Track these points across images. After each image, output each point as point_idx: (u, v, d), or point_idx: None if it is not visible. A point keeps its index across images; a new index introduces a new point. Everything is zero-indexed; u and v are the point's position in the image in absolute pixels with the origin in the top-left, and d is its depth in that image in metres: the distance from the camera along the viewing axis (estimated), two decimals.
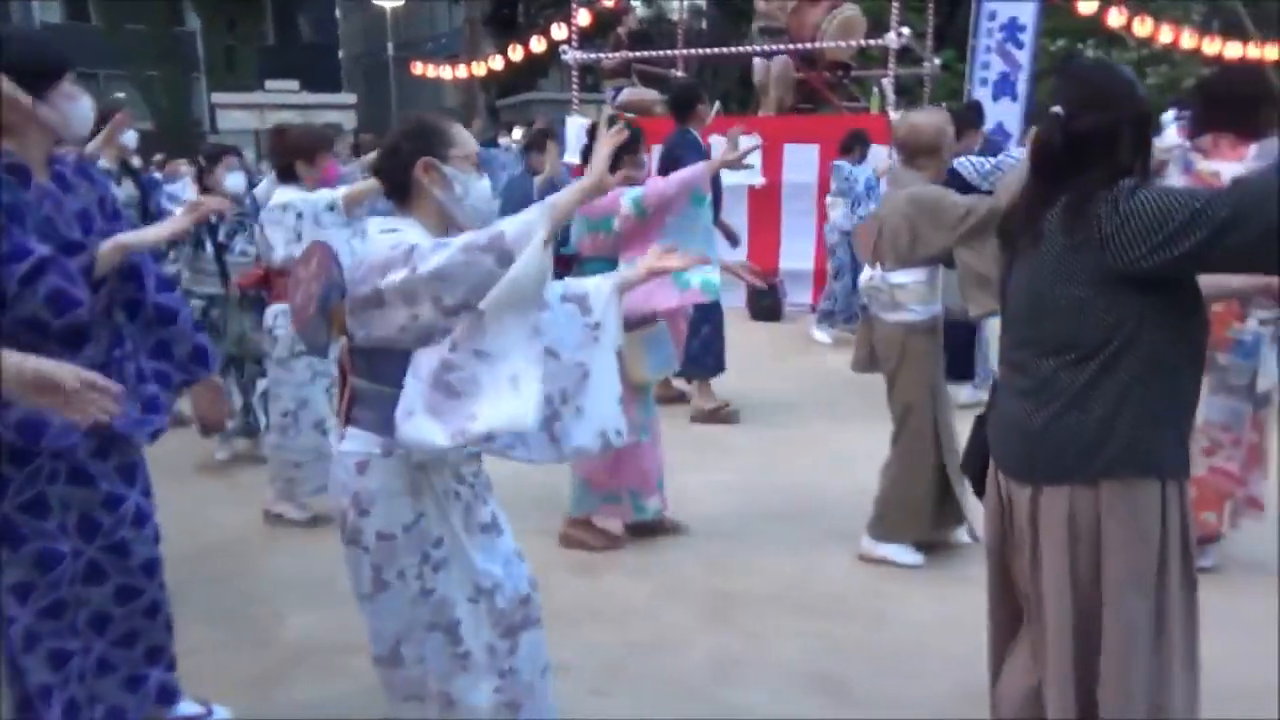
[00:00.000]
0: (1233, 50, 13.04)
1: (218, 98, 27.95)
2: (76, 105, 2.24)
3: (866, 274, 3.69)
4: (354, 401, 2.09)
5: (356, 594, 2.14)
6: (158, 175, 9.79)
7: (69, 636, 2.31)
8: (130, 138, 5.16)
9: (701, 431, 5.59)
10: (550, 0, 26.33)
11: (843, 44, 9.20)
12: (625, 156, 3.82)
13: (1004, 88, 10.90)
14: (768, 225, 8.98)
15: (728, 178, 5.77)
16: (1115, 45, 21.42)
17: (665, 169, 5.67)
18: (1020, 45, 10.91)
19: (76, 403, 1.67)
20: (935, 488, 3.70)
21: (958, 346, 5.67)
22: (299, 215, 3.93)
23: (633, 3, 13.62)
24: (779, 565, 3.79)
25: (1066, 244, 1.87)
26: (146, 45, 27.97)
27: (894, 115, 8.57)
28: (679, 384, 6.05)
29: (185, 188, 8.96)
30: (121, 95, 26.85)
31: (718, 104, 6.48)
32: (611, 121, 4.01)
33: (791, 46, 9.47)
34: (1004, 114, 10.58)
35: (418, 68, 19.22)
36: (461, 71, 18.16)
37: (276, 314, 4.10)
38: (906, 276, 3.53)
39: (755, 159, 7.03)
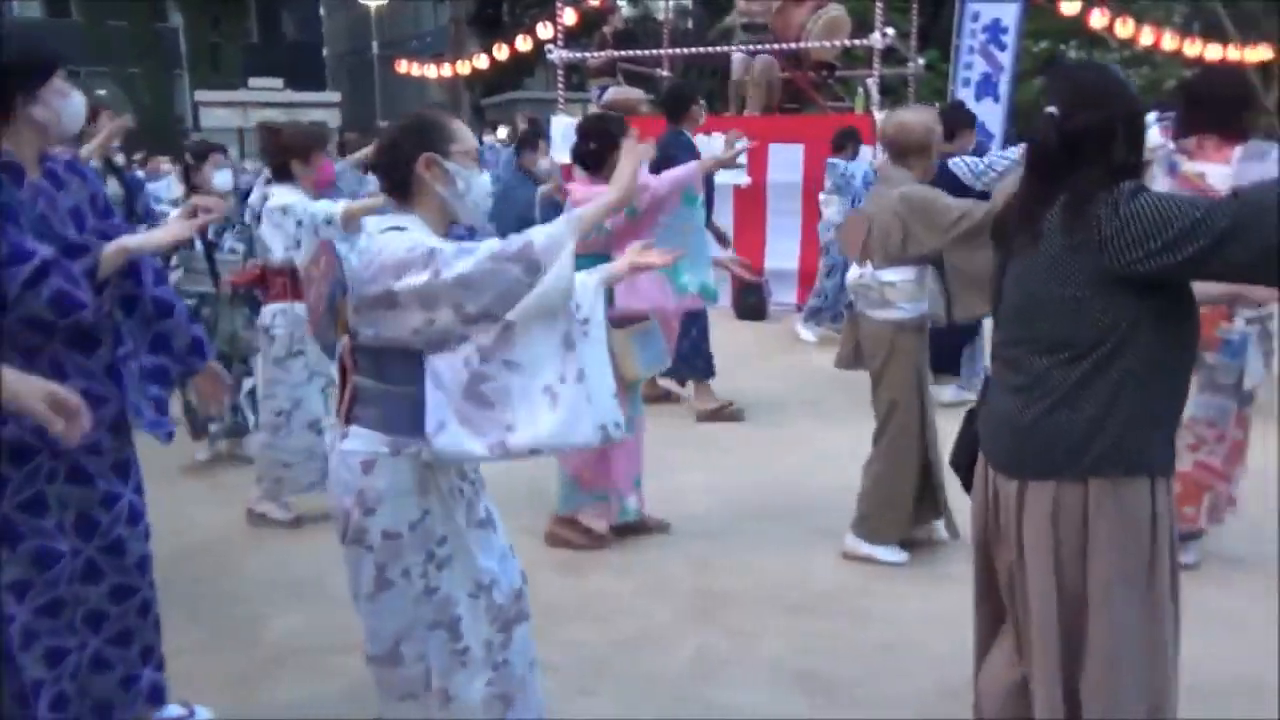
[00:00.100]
0: (1213, 52, 13.16)
1: (201, 95, 27.80)
2: (68, 102, 2.23)
3: (854, 271, 3.69)
4: (355, 400, 2.07)
5: (355, 594, 2.13)
6: (140, 173, 9.72)
7: (66, 634, 2.31)
8: None
9: (686, 431, 5.59)
10: None
11: (828, 44, 9.22)
12: (616, 151, 3.83)
13: (986, 88, 10.95)
14: (753, 225, 9.00)
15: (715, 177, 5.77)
16: (1098, 47, 21.56)
17: (657, 170, 5.68)
18: (1002, 46, 10.96)
19: (52, 422, 1.68)
20: (917, 484, 3.72)
21: (946, 344, 5.75)
22: (299, 223, 3.91)
23: (618, 2, 13.60)
24: (764, 563, 3.79)
25: (1065, 243, 1.89)
26: (128, 42, 27.77)
27: (879, 115, 8.62)
28: (664, 383, 6.05)
29: (169, 186, 8.90)
30: (103, 92, 26.63)
31: (702, 103, 6.47)
32: (600, 123, 3.99)
33: (776, 46, 9.48)
34: (986, 115, 10.63)
35: (402, 66, 19.16)
36: (446, 70, 18.12)
37: (274, 313, 4.07)
38: (896, 275, 3.54)
39: (741, 158, 7.03)
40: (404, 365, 2.00)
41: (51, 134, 2.25)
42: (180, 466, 4.93)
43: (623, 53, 10.66)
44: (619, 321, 3.44)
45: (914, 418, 3.65)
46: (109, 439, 2.34)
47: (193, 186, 4.92)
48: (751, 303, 8.75)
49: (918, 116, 3.64)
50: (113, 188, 4.99)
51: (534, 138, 7.00)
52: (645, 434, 4.06)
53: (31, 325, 2.09)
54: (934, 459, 3.70)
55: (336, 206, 3.89)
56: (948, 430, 3.27)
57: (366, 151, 6.33)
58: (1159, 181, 3.45)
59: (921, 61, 11.73)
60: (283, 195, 3.99)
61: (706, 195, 5.38)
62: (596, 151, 3.84)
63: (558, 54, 10.17)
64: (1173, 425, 2.00)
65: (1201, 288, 1.97)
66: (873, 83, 9.10)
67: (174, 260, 4.86)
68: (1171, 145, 3.51)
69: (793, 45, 9.32)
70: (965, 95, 10.69)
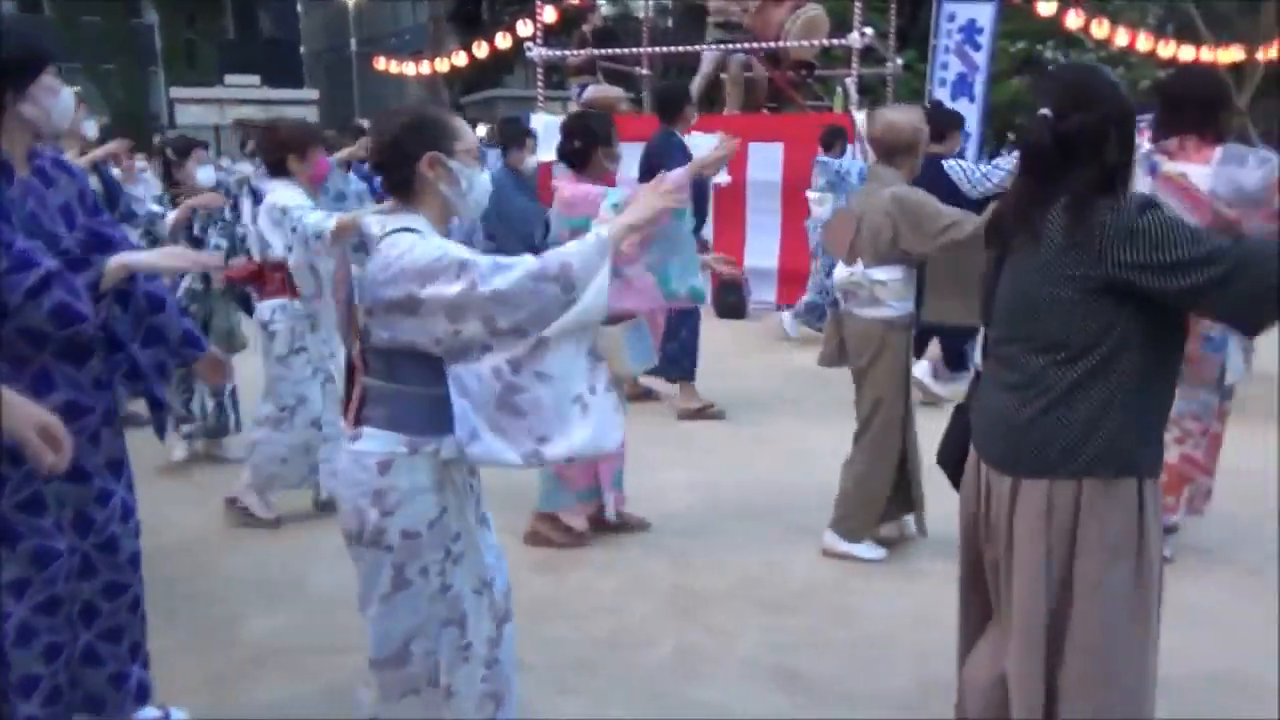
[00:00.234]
0: (1186, 53, 13.30)
1: (176, 92, 27.56)
2: (58, 100, 2.22)
3: (843, 270, 3.70)
4: (366, 401, 2.06)
5: (365, 596, 2.10)
6: (115, 171, 9.62)
7: (63, 630, 2.32)
8: (89, 128, 5.08)
9: (667, 429, 5.60)
10: None
11: (806, 43, 9.26)
12: (601, 147, 3.83)
13: (962, 88, 11.03)
14: (732, 223, 9.01)
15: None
16: (1074, 47, 21.74)
17: (649, 172, 5.66)
18: (978, 47, 11.04)
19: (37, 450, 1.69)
20: (893, 481, 3.75)
21: (951, 343, 5.86)
22: (294, 230, 3.89)
23: (598, 0, 13.60)
24: (743, 561, 3.80)
25: (1064, 245, 1.91)
26: (102, 38, 27.48)
27: (857, 114, 8.66)
28: (646, 381, 6.05)
29: (148, 187, 8.80)
30: (76, 89, 26.35)
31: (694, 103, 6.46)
32: (584, 121, 3.99)
33: (755, 45, 9.51)
34: (961, 114, 10.71)
35: (381, 63, 19.05)
36: (425, 68, 18.04)
37: (273, 309, 4.04)
38: (886, 274, 3.57)
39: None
40: (417, 366, 2.00)
41: (41, 131, 2.24)
42: (156, 467, 4.88)
43: (602, 51, 10.65)
44: (609, 319, 3.46)
45: (897, 415, 3.68)
46: (104, 437, 2.35)
47: (174, 183, 4.86)
48: (731, 301, 8.77)
49: (905, 116, 3.66)
50: (94, 185, 4.97)
51: (521, 135, 6.93)
52: (627, 432, 4.06)
53: (27, 335, 2.08)
54: (911, 456, 3.73)
55: (329, 221, 3.86)
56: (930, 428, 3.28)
57: (350, 150, 6.29)
58: (1140, 182, 3.49)
59: (900, 62, 11.80)
60: (282, 195, 3.95)
61: (700, 199, 5.39)
62: (581, 150, 3.84)
63: (537, 52, 10.16)
64: (1161, 427, 2.05)
65: None
66: (851, 82, 9.14)
67: (185, 283, 4.82)
68: (1149, 146, 3.55)
69: (771, 44, 9.35)
70: (942, 95, 10.76)
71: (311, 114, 24.97)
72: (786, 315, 8.09)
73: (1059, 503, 1.97)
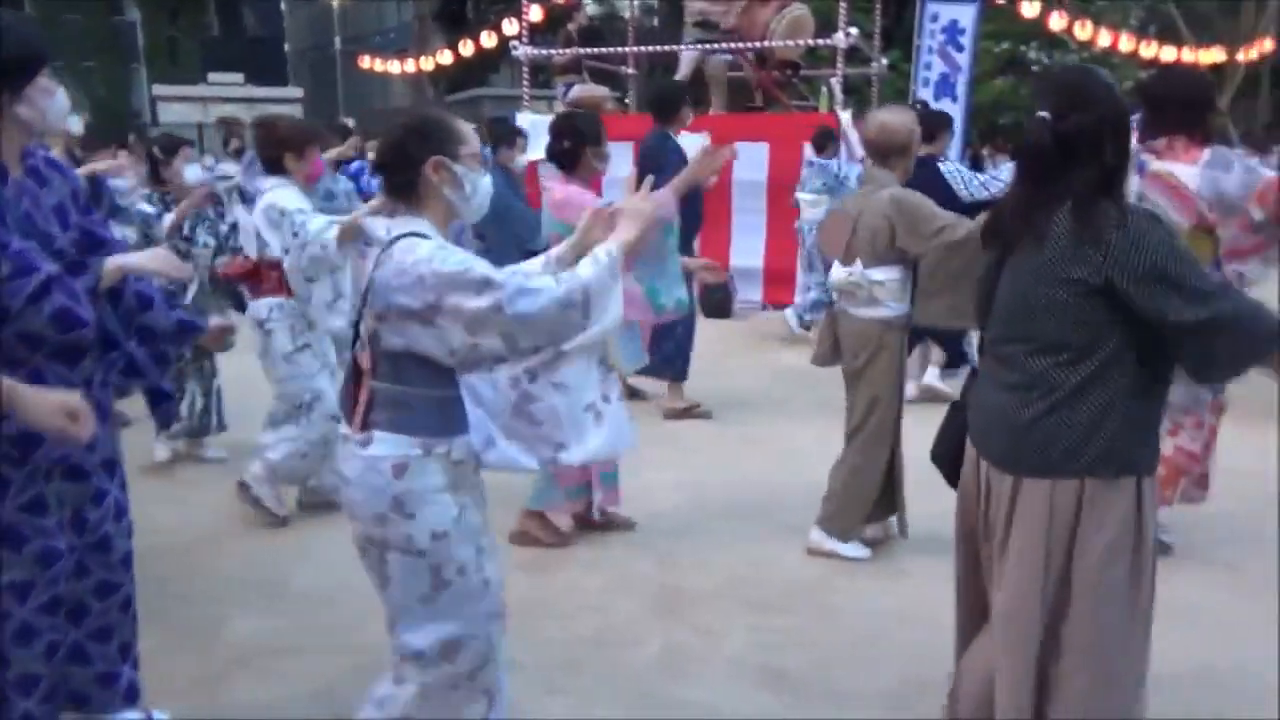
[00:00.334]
0: (1168, 54, 13.41)
1: (159, 90, 27.41)
2: (54, 100, 2.20)
3: (839, 270, 3.70)
4: (373, 405, 2.04)
5: (405, 603, 2.07)
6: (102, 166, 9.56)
7: (62, 630, 2.33)
8: (74, 123, 5.05)
9: (654, 429, 5.59)
10: None
11: (791, 43, 9.27)
12: (590, 148, 3.82)
13: (944, 89, 11.09)
14: (717, 223, 9.00)
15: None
16: (1057, 48, 21.89)
17: (644, 173, 5.63)
18: (960, 48, 11.10)
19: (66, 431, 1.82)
20: (883, 482, 3.76)
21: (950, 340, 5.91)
22: (294, 234, 3.86)
23: None
24: (729, 560, 3.81)
25: (1070, 248, 1.93)
26: (84, 35, 27.31)
27: (842, 114, 8.68)
28: (633, 382, 6.05)
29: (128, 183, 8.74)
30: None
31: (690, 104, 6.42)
32: (572, 121, 3.97)
33: (740, 45, 9.52)
34: (950, 116, 10.77)
35: (365, 62, 18.99)
36: (410, 66, 17.99)
37: (270, 308, 4.01)
38: (883, 274, 3.58)
39: None
40: (425, 369, 2.00)
41: (36, 132, 2.23)
42: (139, 466, 4.84)
43: (588, 50, 10.64)
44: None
45: (893, 415, 3.70)
46: (100, 436, 2.31)
47: (161, 181, 4.82)
48: (717, 300, 8.77)
49: (900, 118, 3.69)
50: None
51: (511, 134, 6.90)
52: None
53: (26, 339, 2.07)
54: (898, 457, 3.75)
55: (333, 229, 3.84)
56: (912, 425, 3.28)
57: (339, 150, 6.26)
58: (1129, 181, 3.51)
59: (885, 62, 11.83)
60: (281, 196, 3.92)
61: (694, 205, 5.39)
62: (570, 150, 3.84)
63: (523, 51, 10.13)
64: (1158, 425, 2.09)
65: None
66: (836, 82, 9.15)
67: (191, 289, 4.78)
68: (1135, 145, 3.58)
69: (757, 44, 9.36)
70: (925, 95, 10.82)
71: (295, 112, 24.82)
72: (790, 312, 8.01)
73: (1061, 502, 1.99)
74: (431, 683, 2.12)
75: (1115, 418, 1.96)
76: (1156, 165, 3.45)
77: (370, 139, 9.58)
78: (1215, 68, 15.88)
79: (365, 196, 7.66)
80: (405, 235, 2.00)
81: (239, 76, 27.82)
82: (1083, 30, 12.47)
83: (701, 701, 2.85)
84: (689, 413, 5.79)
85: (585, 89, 10.30)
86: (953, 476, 2.32)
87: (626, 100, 12.06)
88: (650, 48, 11.90)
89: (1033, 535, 2.01)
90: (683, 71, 9.82)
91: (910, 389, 4.26)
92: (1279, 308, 2.04)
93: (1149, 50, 13.32)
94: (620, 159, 5.36)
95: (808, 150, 8.14)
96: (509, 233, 5.89)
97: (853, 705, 2.81)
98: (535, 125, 8.21)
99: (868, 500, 3.76)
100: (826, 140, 7.70)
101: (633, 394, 6.09)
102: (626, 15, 13.97)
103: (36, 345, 2.10)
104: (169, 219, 4.60)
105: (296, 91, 30.39)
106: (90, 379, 2.29)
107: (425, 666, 2.11)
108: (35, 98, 2.15)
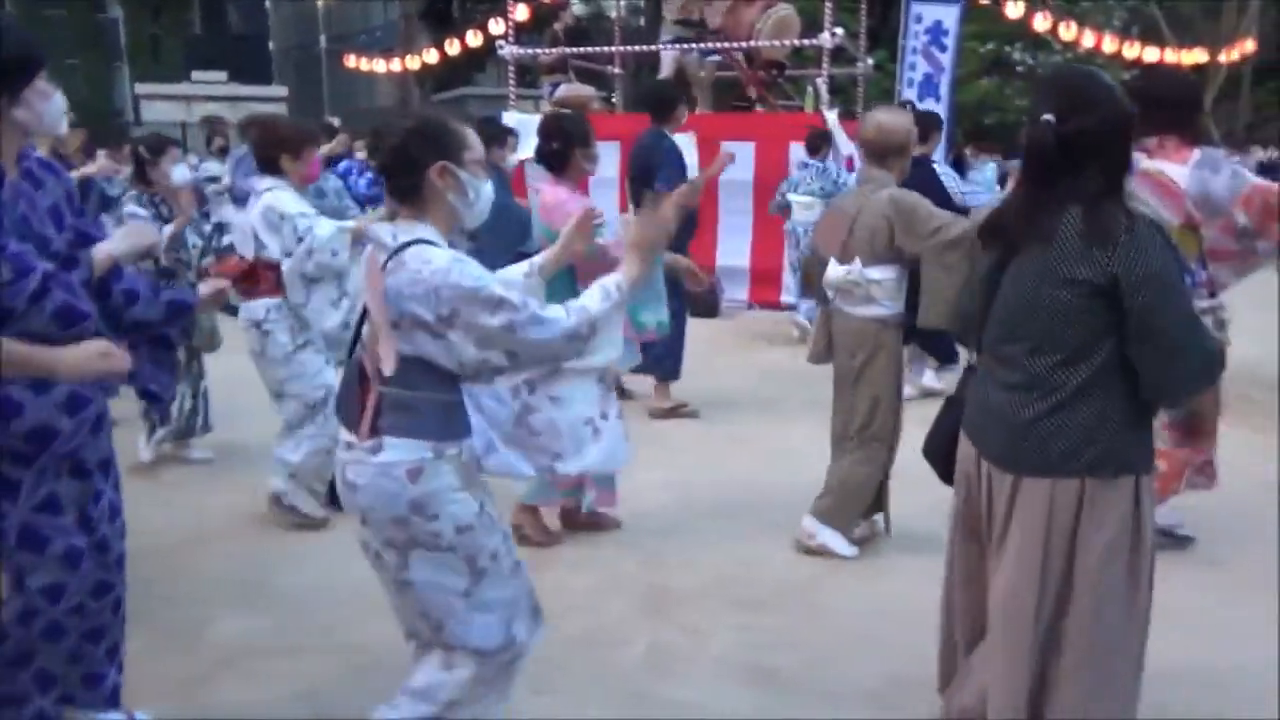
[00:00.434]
0: (1151, 54, 13.50)
1: (141, 88, 27.18)
2: (50, 103, 2.19)
3: (836, 269, 3.71)
4: (381, 410, 2.03)
5: (445, 602, 2.08)
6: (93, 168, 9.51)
7: (78, 630, 2.35)
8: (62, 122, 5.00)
9: (640, 429, 5.59)
10: None
11: (778, 43, 9.29)
12: (579, 149, 3.82)
13: (928, 89, 11.16)
14: (704, 223, 8.98)
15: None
16: (1042, 49, 22.01)
17: (639, 172, 5.63)
18: (944, 49, 11.17)
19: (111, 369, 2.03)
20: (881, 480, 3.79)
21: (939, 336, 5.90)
22: (299, 240, 3.84)
23: None
24: (716, 560, 3.81)
25: (1077, 250, 1.94)
26: (66, 32, 27.07)
27: (828, 114, 8.70)
28: (622, 381, 6.05)
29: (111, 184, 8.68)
30: None
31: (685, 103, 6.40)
32: (561, 122, 3.97)
33: (726, 45, 9.52)
34: (940, 116, 10.83)
35: (351, 61, 18.92)
36: (396, 65, 17.93)
37: (267, 308, 3.96)
38: (881, 273, 3.60)
39: (692, 157, 7.05)
40: (433, 374, 2.01)
41: (32, 135, 2.22)
42: (125, 467, 4.80)
43: (574, 49, 10.63)
44: None
45: (894, 413, 3.72)
46: (96, 435, 2.34)
47: (148, 182, 4.77)
48: (704, 300, 8.76)
49: (898, 119, 3.71)
50: None
51: (502, 133, 6.88)
52: None
53: (30, 339, 2.07)
54: (893, 455, 3.77)
55: (344, 237, 3.81)
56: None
57: (329, 147, 6.22)
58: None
59: (870, 62, 11.87)
60: (279, 198, 3.88)
61: (689, 214, 5.39)
62: (559, 152, 3.84)
63: (509, 50, 10.11)
64: (1151, 425, 2.11)
65: None
66: (822, 82, 9.18)
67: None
68: None
69: (743, 44, 9.37)
70: (910, 95, 10.87)
71: (280, 111, 24.70)
72: (802, 310, 7.87)
73: (1061, 502, 2.01)
74: (488, 669, 2.16)
75: (1115, 418, 1.98)
76: (1147, 164, 3.49)
77: (357, 138, 9.56)
78: (1197, 68, 16.00)
79: (354, 195, 7.63)
80: (414, 242, 2.00)
81: (222, 75, 27.62)
82: (1067, 31, 12.54)
83: (689, 701, 2.85)
84: (676, 412, 5.80)
85: (571, 89, 10.30)
86: (946, 473, 2.32)
87: (613, 100, 12.05)
88: (636, 47, 11.90)
89: (1032, 534, 2.02)
90: (665, 71, 9.82)
91: (907, 389, 4.27)
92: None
93: (1132, 51, 13.41)
94: (607, 159, 5.35)
95: (794, 150, 8.15)
96: (502, 234, 5.86)
97: (840, 703, 2.82)
98: (521, 125, 8.20)
99: (865, 499, 3.77)
100: (821, 142, 7.69)
101: (622, 393, 6.08)
102: (613, 15, 13.98)
103: (41, 343, 2.10)
104: (168, 230, 4.55)
105: (281, 90, 30.19)
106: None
107: (484, 660, 2.14)
108: (33, 100, 2.14)
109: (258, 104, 23.82)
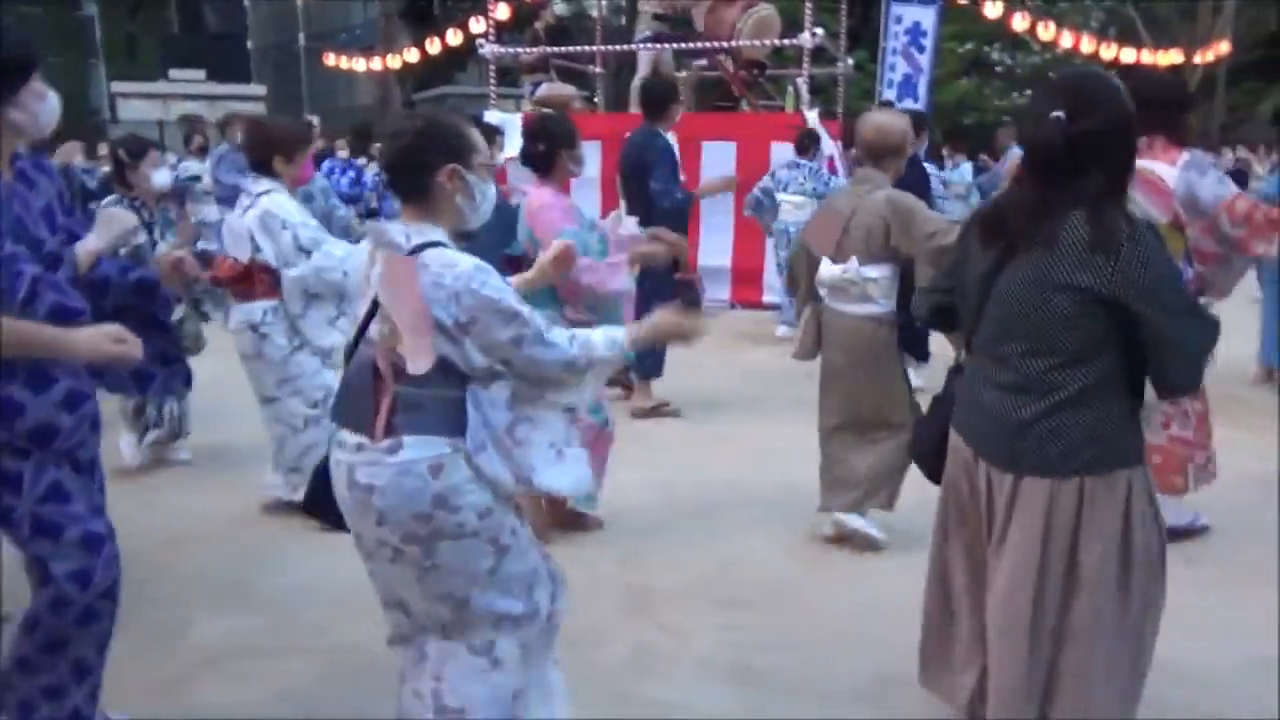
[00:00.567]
0: (1128, 55, 13.62)
1: (118, 86, 26.96)
2: (45, 104, 2.18)
3: (830, 268, 3.72)
4: (396, 409, 2.04)
5: (476, 579, 2.10)
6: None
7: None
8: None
9: (622, 428, 5.58)
10: None
11: (758, 43, 9.31)
12: (564, 150, 3.82)
13: (907, 89, 11.25)
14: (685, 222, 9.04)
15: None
16: (1020, 49, 22.18)
17: (631, 170, 5.61)
18: (922, 49, 11.26)
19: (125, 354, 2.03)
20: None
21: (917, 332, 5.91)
22: (299, 249, 3.82)
23: None
24: (698, 559, 3.82)
25: (1080, 255, 1.95)
26: (40, 29, 26.75)
27: (808, 113, 8.72)
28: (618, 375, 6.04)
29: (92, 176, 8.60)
30: None
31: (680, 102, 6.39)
32: (546, 124, 3.97)
33: (709, 45, 9.54)
34: (927, 115, 10.91)
35: (330, 59, 18.79)
36: (376, 64, 17.84)
37: (264, 310, 3.93)
38: (877, 271, 3.62)
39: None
40: (445, 372, 2.02)
41: (26, 136, 2.21)
42: (108, 469, 4.78)
43: (556, 48, 10.61)
44: (573, 323, 3.50)
45: (911, 394, 3.74)
46: (95, 431, 2.35)
47: (127, 185, 4.70)
48: (686, 299, 8.77)
49: (894, 120, 3.75)
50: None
51: (490, 133, 6.86)
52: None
53: None
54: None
55: (356, 257, 3.79)
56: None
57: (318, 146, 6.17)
58: None
59: (850, 62, 11.91)
60: (279, 204, 3.86)
61: (681, 217, 5.39)
62: (545, 154, 3.83)
63: (489, 49, 10.07)
64: (1138, 416, 2.13)
65: None
66: (803, 82, 9.20)
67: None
68: None
69: (723, 44, 9.39)
70: (889, 95, 10.95)
71: (259, 110, 24.56)
72: (786, 311, 7.91)
73: (1062, 501, 2.03)
74: (528, 637, 2.19)
75: (1111, 419, 2.01)
76: (1137, 162, 3.54)
77: (337, 137, 9.51)
78: (1173, 69, 16.16)
79: (339, 193, 7.58)
80: (428, 245, 2.02)
81: (200, 73, 27.42)
82: (1045, 31, 12.63)
83: (672, 701, 2.86)
84: (658, 411, 5.80)
85: (553, 88, 10.28)
86: (934, 472, 2.33)
87: (594, 99, 12.04)
88: (618, 46, 11.89)
89: (1032, 532, 2.04)
90: (642, 71, 9.80)
91: None
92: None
93: (1109, 52, 13.51)
94: (588, 159, 5.35)
95: (775, 150, 8.16)
96: (496, 234, 5.87)
97: (826, 702, 2.83)
98: (504, 124, 8.19)
99: (898, 481, 3.75)
100: (811, 142, 7.70)
101: (612, 382, 6.05)
102: (594, 14, 13.97)
103: None
104: (162, 247, 4.50)
105: (260, 89, 30.02)
106: (90, 364, 2.28)
107: (520, 625, 2.17)
108: (28, 101, 2.13)
109: (236, 103, 23.67)
